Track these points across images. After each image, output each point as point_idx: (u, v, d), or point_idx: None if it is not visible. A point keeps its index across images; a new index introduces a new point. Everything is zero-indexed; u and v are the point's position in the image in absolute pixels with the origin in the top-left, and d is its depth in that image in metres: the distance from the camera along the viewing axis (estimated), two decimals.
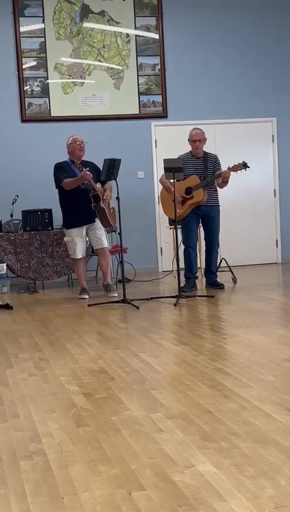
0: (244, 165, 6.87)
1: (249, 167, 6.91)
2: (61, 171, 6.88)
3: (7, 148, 8.54)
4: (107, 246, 7.14)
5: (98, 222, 6.98)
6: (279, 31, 9.23)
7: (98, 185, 6.87)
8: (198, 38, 9.02)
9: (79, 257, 7.05)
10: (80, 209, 6.85)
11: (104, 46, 8.77)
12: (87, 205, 6.82)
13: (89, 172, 6.65)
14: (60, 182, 6.86)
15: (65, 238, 7.15)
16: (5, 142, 8.54)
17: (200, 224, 7.28)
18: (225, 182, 6.99)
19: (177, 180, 6.62)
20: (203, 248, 7.47)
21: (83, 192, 6.76)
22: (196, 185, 6.93)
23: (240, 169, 6.90)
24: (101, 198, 6.81)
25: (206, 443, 2.65)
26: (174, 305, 6.14)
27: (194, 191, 6.94)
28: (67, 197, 6.88)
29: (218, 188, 7.16)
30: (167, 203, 7.09)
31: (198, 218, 7.14)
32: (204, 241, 7.37)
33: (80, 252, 7.02)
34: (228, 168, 6.91)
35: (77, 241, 6.98)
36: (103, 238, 7.06)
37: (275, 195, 9.37)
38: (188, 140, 7.13)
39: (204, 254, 7.39)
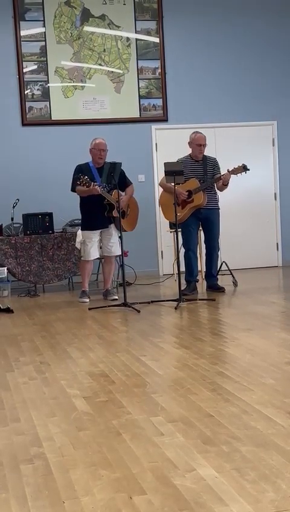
0: (244, 168, 6.88)
1: (249, 170, 6.92)
2: (78, 176, 6.83)
3: (8, 151, 8.54)
4: (115, 254, 7.11)
5: (113, 229, 6.97)
6: (279, 34, 9.24)
7: (114, 192, 6.82)
8: (198, 41, 9.04)
9: (89, 259, 7.05)
10: (94, 214, 6.86)
11: (104, 50, 8.78)
12: (102, 211, 6.83)
13: (96, 187, 6.64)
14: (74, 188, 6.89)
15: (79, 239, 7.18)
16: (6, 146, 8.54)
17: (201, 228, 7.28)
18: (225, 185, 6.99)
19: (177, 184, 6.61)
20: (204, 251, 7.46)
21: (98, 198, 6.75)
22: (196, 188, 6.93)
23: (240, 172, 6.90)
24: (114, 207, 6.80)
25: (207, 447, 2.64)
26: (175, 308, 6.14)
27: (194, 195, 6.94)
28: (84, 201, 6.90)
29: (218, 191, 7.16)
30: (167, 207, 7.08)
31: (198, 222, 7.14)
32: (204, 245, 7.37)
33: (90, 254, 7.01)
34: (228, 171, 6.91)
35: (88, 243, 6.98)
36: (114, 247, 7.03)
37: (275, 199, 9.37)
38: (190, 143, 7.12)
39: (204, 257, 7.38)
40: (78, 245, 7.31)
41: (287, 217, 9.36)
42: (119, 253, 7.04)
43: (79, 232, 7.27)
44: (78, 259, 7.37)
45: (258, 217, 9.24)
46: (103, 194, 6.69)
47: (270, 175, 9.32)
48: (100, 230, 6.99)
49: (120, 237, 6.40)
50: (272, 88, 9.24)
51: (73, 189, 6.93)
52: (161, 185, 7.26)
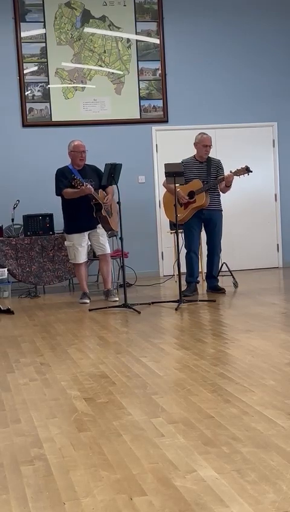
0: (247, 170, 6.87)
1: (251, 171, 6.91)
2: (62, 179, 6.84)
3: (8, 153, 8.54)
4: (109, 252, 7.14)
5: (100, 228, 6.98)
6: (279, 35, 9.24)
7: (100, 191, 6.87)
8: (199, 43, 9.04)
9: (80, 262, 7.05)
10: (82, 216, 6.85)
11: (105, 51, 8.79)
12: (89, 212, 6.82)
13: (89, 186, 6.65)
14: (60, 192, 6.87)
15: (66, 243, 7.16)
16: (6, 147, 8.55)
17: (203, 229, 7.27)
18: (228, 187, 6.98)
19: (180, 185, 6.62)
20: (205, 252, 7.45)
21: (85, 198, 6.75)
22: (199, 189, 6.93)
23: (243, 174, 6.90)
24: (102, 206, 6.81)
25: (208, 448, 2.64)
26: (176, 309, 6.14)
27: (197, 195, 6.94)
28: (69, 203, 6.87)
29: (221, 192, 7.16)
30: (169, 207, 7.09)
31: (200, 223, 7.14)
32: (206, 246, 7.36)
33: (80, 257, 7.02)
34: (231, 172, 6.91)
35: (78, 246, 6.97)
36: (106, 245, 7.06)
37: (276, 200, 9.37)
38: (196, 144, 7.11)
39: (206, 258, 7.37)
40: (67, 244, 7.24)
41: (287, 217, 9.36)
42: (110, 250, 7.13)
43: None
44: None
45: (259, 218, 9.24)
46: (94, 194, 6.71)
47: (271, 176, 9.32)
48: (88, 232, 6.99)
49: (120, 238, 6.39)
50: (273, 89, 9.24)
51: (58, 194, 6.91)
52: (164, 185, 7.26)
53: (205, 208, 6.98)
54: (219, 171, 7.08)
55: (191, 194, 6.95)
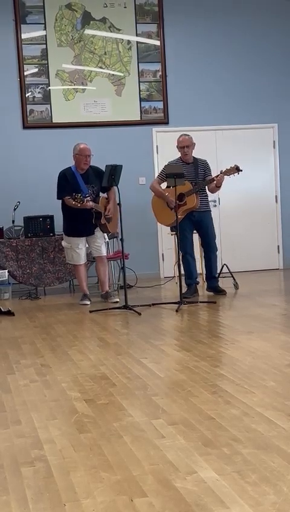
0: (237, 169, 6.86)
1: (241, 170, 6.89)
2: (64, 184, 6.84)
3: (9, 154, 8.55)
4: (105, 254, 7.14)
5: (98, 230, 6.99)
6: (279, 36, 9.24)
7: (101, 196, 6.86)
8: (199, 44, 9.04)
9: (80, 263, 7.06)
10: (81, 221, 6.86)
11: (105, 53, 8.79)
12: (88, 218, 6.83)
13: (90, 203, 6.66)
14: (61, 198, 6.87)
15: (63, 243, 7.17)
16: (7, 149, 8.55)
17: (196, 230, 7.25)
18: (218, 187, 6.97)
19: (168, 187, 6.63)
20: (202, 254, 7.44)
21: None
22: (188, 191, 6.91)
23: (233, 173, 6.88)
24: (103, 214, 6.82)
25: (208, 449, 2.64)
26: (176, 311, 6.14)
27: (187, 197, 6.92)
28: (69, 208, 6.88)
29: (209, 193, 7.15)
30: (158, 212, 7.11)
31: (192, 225, 7.11)
32: (202, 247, 7.36)
33: (78, 259, 7.03)
34: (221, 172, 6.90)
35: (76, 248, 6.99)
36: (102, 247, 7.08)
37: (276, 201, 9.36)
38: (177, 146, 7.13)
39: (203, 260, 7.36)
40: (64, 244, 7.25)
41: (288, 219, 9.35)
42: (106, 253, 7.16)
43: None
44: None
45: (259, 220, 9.23)
46: (95, 207, 6.72)
47: (271, 177, 9.32)
48: (86, 236, 7.02)
49: (121, 239, 6.40)
50: (273, 90, 9.25)
51: (59, 197, 6.91)
52: (151, 188, 7.25)
53: (195, 209, 6.96)
54: (206, 171, 7.06)
55: (181, 197, 6.91)
